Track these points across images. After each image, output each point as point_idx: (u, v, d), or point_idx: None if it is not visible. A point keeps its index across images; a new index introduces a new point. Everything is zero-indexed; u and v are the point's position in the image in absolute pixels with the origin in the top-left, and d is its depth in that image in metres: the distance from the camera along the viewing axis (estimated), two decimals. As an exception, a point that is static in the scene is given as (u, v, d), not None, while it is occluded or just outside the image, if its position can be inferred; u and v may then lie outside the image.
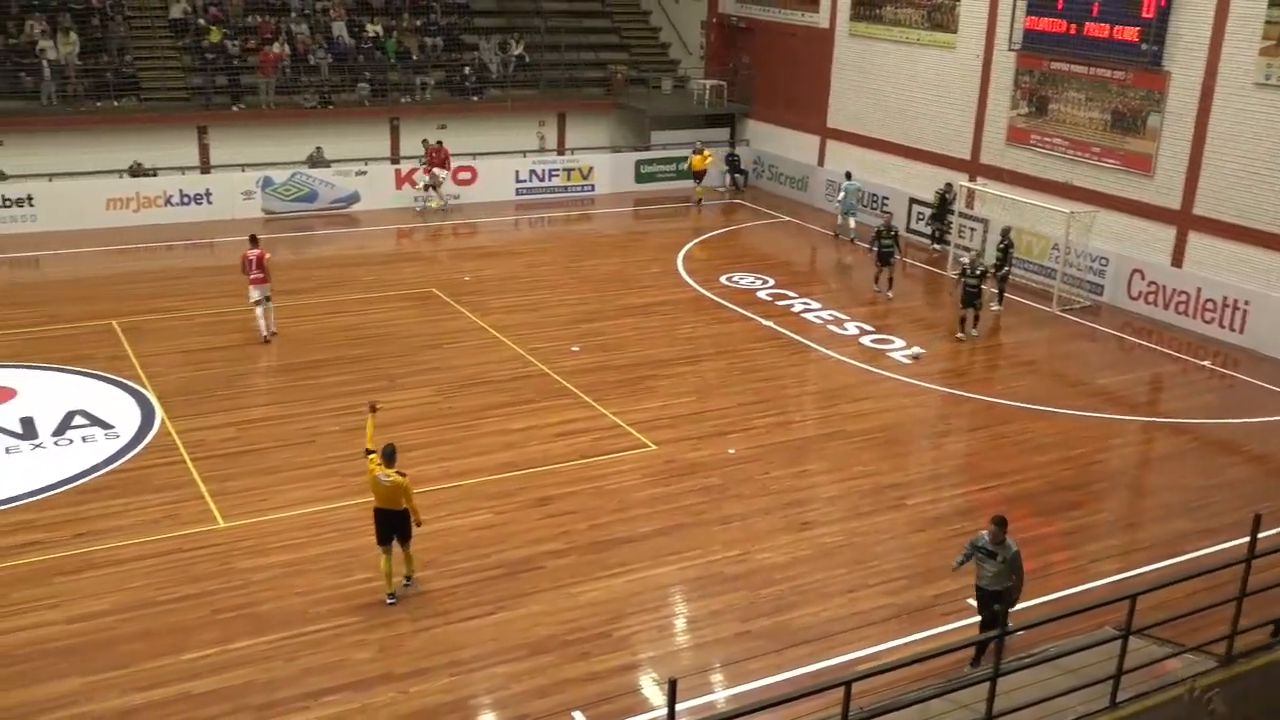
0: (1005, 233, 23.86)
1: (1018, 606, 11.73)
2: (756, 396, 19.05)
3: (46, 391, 18.16)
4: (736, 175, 34.55)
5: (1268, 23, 21.41)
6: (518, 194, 32.54)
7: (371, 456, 12.57)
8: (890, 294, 24.50)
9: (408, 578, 13.04)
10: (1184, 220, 23.40)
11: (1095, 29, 24.58)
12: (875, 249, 24.59)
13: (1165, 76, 23.43)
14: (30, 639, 11.97)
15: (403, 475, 12.48)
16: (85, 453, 16.17)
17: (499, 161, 32.54)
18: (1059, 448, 17.45)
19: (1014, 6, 26.33)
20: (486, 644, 12.14)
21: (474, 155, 32.09)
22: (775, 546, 14.30)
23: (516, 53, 35.36)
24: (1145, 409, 19.83)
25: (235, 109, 31.12)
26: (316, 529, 14.32)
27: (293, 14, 33.63)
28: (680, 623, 12.82)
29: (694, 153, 32.95)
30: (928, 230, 28.61)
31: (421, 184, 30.47)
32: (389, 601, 12.71)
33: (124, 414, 17.46)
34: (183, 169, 29.78)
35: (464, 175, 31.69)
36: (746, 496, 15.60)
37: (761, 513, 15.15)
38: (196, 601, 12.72)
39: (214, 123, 30.69)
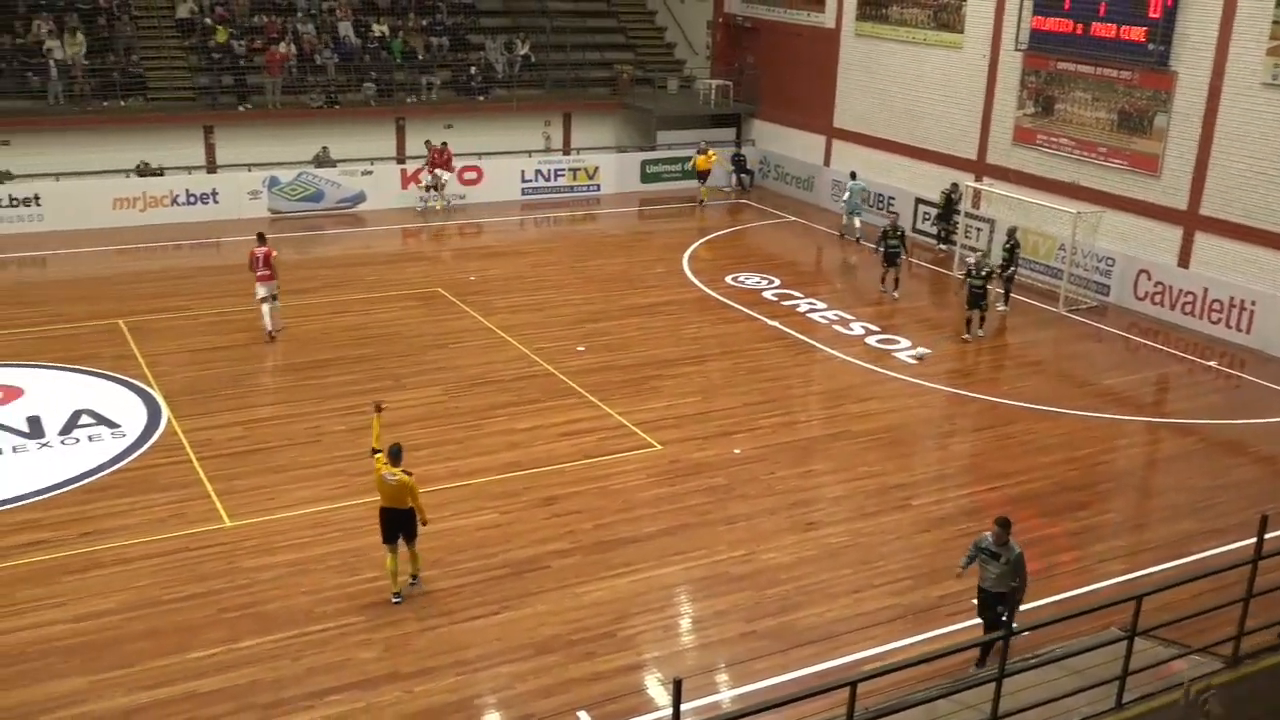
0: (1011, 233, 23.84)
1: (1022, 608, 11.71)
2: (762, 396, 19.04)
3: (53, 390, 18.20)
4: (742, 175, 34.54)
5: (1275, 22, 21.36)
6: (523, 194, 32.55)
7: (378, 456, 12.59)
8: (896, 294, 24.48)
9: (413, 576, 13.06)
10: (1191, 220, 23.35)
11: (1102, 29, 24.54)
12: (881, 249, 24.57)
13: (1172, 76, 23.38)
14: (36, 638, 12.00)
15: (409, 474, 12.49)
16: (91, 452, 16.21)
17: (505, 161, 32.55)
18: (1065, 448, 17.42)
19: (1020, 6, 26.28)
20: (492, 643, 12.14)
21: (479, 155, 32.11)
22: (780, 547, 14.29)
23: (522, 52, 35.38)
24: (1151, 409, 19.79)
25: (241, 109, 31.16)
26: (322, 528, 14.34)
27: (299, 14, 33.67)
28: (685, 623, 12.82)
29: (698, 153, 32.95)
30: (933, 230, 28.58)
31: (424, 184, 30.50)
32: (394, 601, 12.73)
33: (130, 413, 17.50)
34: (189, 169, 29.83)
35: (469, 175, 31.71)
36: (752, 496, 15.59)
37: (767, 513, 15.14)
38: (202, 600, 12.74)
39: (220, 122, 30.74)
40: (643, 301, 23.79)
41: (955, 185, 27.84)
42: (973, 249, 25.12)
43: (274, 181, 29.61)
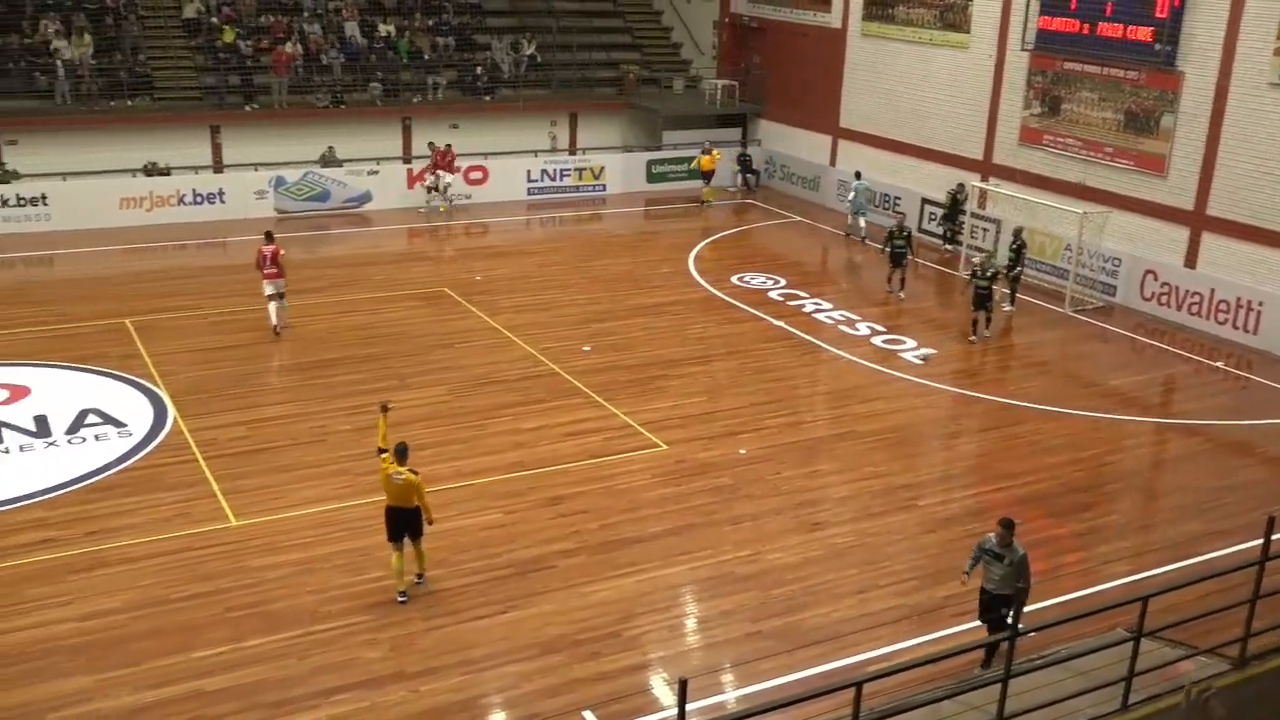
0: (1017, 233, 23.82)
1: (1028, 609, 11.69)
2: (768, 397, 19.03)
3: (60, 390, 18.24)
4: (748, 175, 34.53)
5: (1282, 22, 21.35)
6: (529, 194, 32.56)
7: (384, 455, 12.60)
8: (902, 294, 24.45)
9: (419, 576, 13.07)
10: (1197, 221, 23.30)
11: (1109, 29, 24.49)
12: (887, 249, 24.54)
13: (1179, 77, 23.33)
14: (42, 636, 12.02)
15: (415, 473, 12.51)
16: (98, 451, 16.23)
17: (510, 161, 32.57)
18: (1071, 449, 17.39)
19: (1027, 6, 26.24)
20: (497, 643, 12.14)
21: (485, 155, 32.13)
22: (786, 547, 14.28)
23: (528, 52, 35.38)
24: (1158, 410, 19.76)
25: (248, 108, 31.20)
26: (328, 527, 14.35)
27: (305, 14, 33.71)
28: (691, 623, 12.82)
29: (702, 153, 32.92)
30: (939, 231, 28.53)
31: (427, 184, 30.50)
32: (400, 600, 12.73)
33: (136, 412, 17.52)
34: (196, 168, 29.88)
35: (475, 175, 31.73)
36: (757, 497, 15.58)
37: (772, 513, 15.13)
38: (208, 600, 12.76)
39: (227, 122, 30.78)
40: (648, 301, 23.79)
41: (961, 185, 27.80)
42: (979, 249, 25.09)
43: (280, 181, 29.65)
